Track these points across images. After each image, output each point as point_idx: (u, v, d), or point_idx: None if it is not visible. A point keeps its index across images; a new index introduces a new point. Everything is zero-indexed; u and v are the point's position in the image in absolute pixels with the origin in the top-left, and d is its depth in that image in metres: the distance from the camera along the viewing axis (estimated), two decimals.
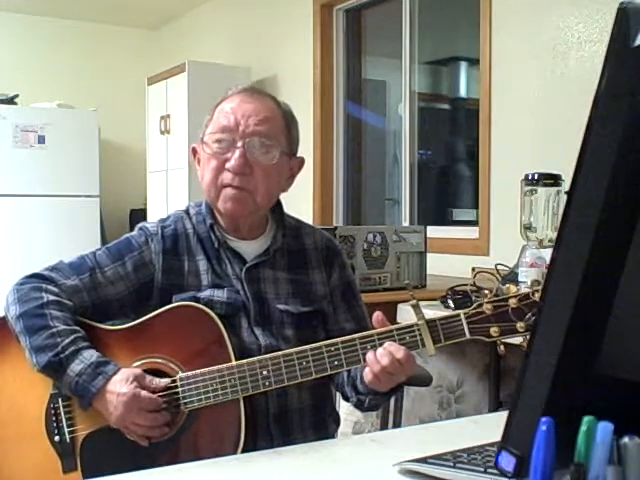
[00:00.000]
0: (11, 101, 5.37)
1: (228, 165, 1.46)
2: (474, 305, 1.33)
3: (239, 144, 1.46)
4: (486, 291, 1.34)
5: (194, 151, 1.57)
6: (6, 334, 1.43)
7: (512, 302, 1.30)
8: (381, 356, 1.32)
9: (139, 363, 1.42)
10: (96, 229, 5.42)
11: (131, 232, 1.56)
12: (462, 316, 1.32)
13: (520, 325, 1.29)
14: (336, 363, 1.35)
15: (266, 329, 1.48)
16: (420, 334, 1.33)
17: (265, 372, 1.36)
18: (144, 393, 1.35)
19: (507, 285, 1.35)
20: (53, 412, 1.42)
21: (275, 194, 1.55)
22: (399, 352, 1.32)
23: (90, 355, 1.37)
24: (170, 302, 1.46)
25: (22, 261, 4.88)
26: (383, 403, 1.67)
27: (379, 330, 1.35)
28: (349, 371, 1.49)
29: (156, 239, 1.51)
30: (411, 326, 1.34)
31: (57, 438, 1.41)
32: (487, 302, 1.32)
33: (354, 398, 1.51)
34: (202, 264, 1.50)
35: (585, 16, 3.05)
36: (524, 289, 1.33)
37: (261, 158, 1.47)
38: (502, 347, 1.33)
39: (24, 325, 1.39)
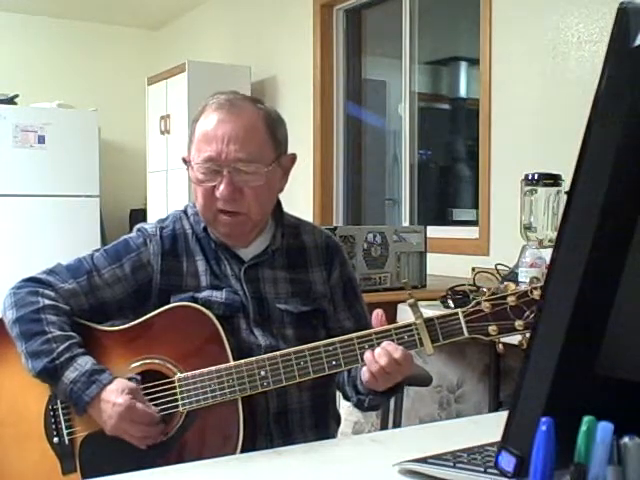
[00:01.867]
0: (11, 101, 5.37)
1: (217, 193, 1.45)
2: (472, 303, 1.32)
3: (224, 172, 1.44)
4: (484, 289, 1.34)
5: (185, 161, 1.55)
6: (5, 336, 1.43)
7: (510, 300, 1.29)
8: (379, 356, 1.32)
9: (137, 364, 1.42)
10: (96, 229, 5.42)
11: (129, 234, 1.56)
12: (460, 315, 1.32)
13: (519, 323, 1.29)
14: (334, 363, 1.35)
15: (266, 329, 1.48)
16: (418, 333, 1.33)
17: (263, 372, 1.36)
18: (139, 405, 1.34)
19: (506, 283, 1.35)
20: (52, 414, 1.42)
21: (270, 205, 1.54)
22: (397, 352, 1.31)
23: (85, 362, 1.37)
24: (168, 303, 1.46)
25: (22, 261, 4.88)
26: (383, 403, 1.67)
27: (377, 329, 1.35)
28: (349, 371, 1.49)
29: (155, 240, 1.51)
30: (409, 325, 1.34)
31: (56, 439, 1.41)
32: (485, 300, 1.31)
33: (354, 398, 1.51)
34: (201, 264, 1.50)
35: (585, 16, 3.04)
36: (522, 287, 1.32)
37: (248, 180, 1.45)
38: (501, 346, 1.33)
39: (20, 330, 1.39)
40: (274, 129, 1.50)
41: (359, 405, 1.53)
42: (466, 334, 1.32)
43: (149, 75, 5.55)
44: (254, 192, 1.46)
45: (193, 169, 1.48)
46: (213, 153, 1.44)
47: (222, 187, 1.44)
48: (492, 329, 1.30)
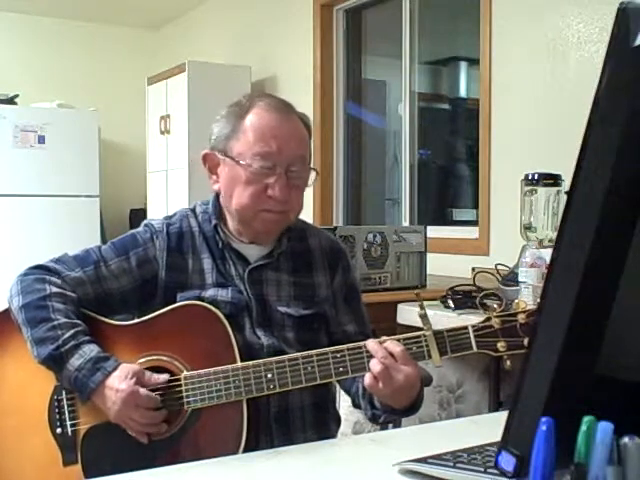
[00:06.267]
0: (11, 101, 5.37)
1: (270, 192, 1.44)
2: (483, 319, 1.34)
3: (279, 170, 1.44)
4: (495, 305, 1.35)
5: (207, 157, 1.53)
6: (11, 326, 1.43)
7: (521, 317, 1.31)
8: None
9: (144, 360, 1.42)
10: (96, 229, 5.42)
11: (137, 228, 1.56)
12: (470, 329, 1.33)
13: (528, 341, 1.29)
14: (341, 369, 1.36)
15: (267, 330, 1.48)
16: (427, 345, 1.34)
17: (270, 375, 1.36)
18: (142, 391, 1.35)
19: (517, 300, 1.36)
20: (56, 404, 1.42)
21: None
22: (394, 346, 1.32)
23: (90, 350, 1.37)
24: (174, 300, 1.46)
25: (22, 261, 4.86)
26: (398, 419, 1.67)
27: (386, 338, 1.35)
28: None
29: (161, 236, 1.51)
30: (418, 336, 1.35)
31: (59, 430, 1.41)
32: (496, 316, 1.33)
33: (369, 412, 1.50)
34: (207, 263, 1.50)
35: (585, 16, 3.04)
36: (532, 305, 1.33)
37: (300, 182, 1.48)
38: (509, 362, 1.33)
39: (26, 317, 1.40)
40: (310, 136, 1.54)
41: (373, 420, 1.53)
42: (475, 349, 1.33)
43: (149, 75, 5.55)
44: (299, 193, 1.49)
45: (240, 165, 1.45)
46: (273, 150, 1.44)
47: (278, 188, 1.44)
48: (501, 345, 1.32)
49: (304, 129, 1.51)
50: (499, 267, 2.58)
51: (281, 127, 1.46)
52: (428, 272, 3.08)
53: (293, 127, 1.48)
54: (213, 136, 1.52)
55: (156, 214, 5.19)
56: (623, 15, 0.64)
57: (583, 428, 0.63)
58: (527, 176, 2.56)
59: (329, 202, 4.69)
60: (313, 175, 1.52)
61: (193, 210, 1.57)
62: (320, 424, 1.53)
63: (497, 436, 0.75)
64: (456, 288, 2.51)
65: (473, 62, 3.90)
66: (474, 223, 3.69)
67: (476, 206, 3.65)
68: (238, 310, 1.47)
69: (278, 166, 1.44)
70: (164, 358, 1.41)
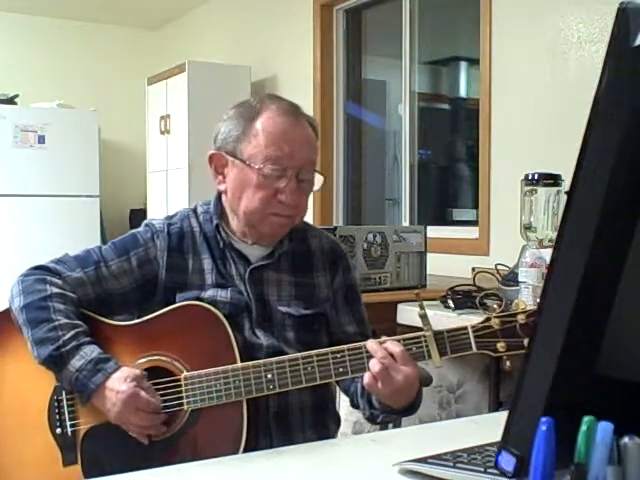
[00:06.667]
0: (11, 101, 5.37)
1: (281, 197, 1.45)
2: (482, 319, 1.34)
3: (290, 174, 1.44)
4: (495, 305, 1.35)
5: (214, 157, 1.52)
6: (11, 326, 1.43)
7: (520, 318, 1.31)
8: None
9: (144, 360, 1.42)
10: (96, 229, 5.43)
11: (137, 228, 1.56)
12: (470, 330, 1.33)
13: (527, 341, 1.29)
14: (341, 370, 1.36)
15: (268, 330, 1.48)
16: (427, 345, 1.34)
17: (270, 375, 1.36)
18: (143, 394, 1.35)
19: (516, 301, 1.36)
20: (56, 404, 1.43)
21: None
22: (394, 346, 1.32)
23: (91, 351, 1.37)
24: (174, 300, 1.46)
25: (22, 261, 4.86)
26: (397, 419, 1.67)
27: (386, 339, 1.36)
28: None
29: (162, 236, 1.51)
30: (418, 337, 1.35)
31: (59, 430, 1.42)
32: (495, 317, 1.33)
33: (367, 412, 1.50)
34: (207, 263, 1.50)
35: (585, 16, 3.04)
36: (532, 306, 1.33)
37: (308, 186, 1.49)
38: (508, 363, 1.33)
39: (27, 317, 1.40)
40: (317, 140, 1.55)
41: (371, 419, 1.53)
42: (475, 349, 1.33)
43: (149, 75, 5.55)
44: (306, 197, 1.50)
45: (250, 168, 1.45)
46: (286, 153, 1.44)
47: (289, 192, 1.44)
48: (500, 346, 1.32)
49: (313, 133, 1.52)
50: (499, 267, 2.59)
51: (293, 132, 1.46)
52: (428, 272, 3.08)
53: (304, 131, 1.49)
54: (220, 136, 1.51)
55: (156, 214, 5.18)
56: (623, 15, 0.64)
57: (583, 428, 0.63)
58: (527, 176, 2.56)
59: (329, 202, 4.69)
60: (321, 179, 1.52)
61: (194, 210, 1.57)
62: (319, 424, 1.53)
63: (497, 436, 0.75)
64: (456, 288, 2.51)
65: (473, 62, 3.90)
66: (474, 223, 3.69)
67: (476, 206, 3.65)
68: (237, 310, 1.47)
69: (289, 170, 1.44)
70: (164, 358, 1.41)
